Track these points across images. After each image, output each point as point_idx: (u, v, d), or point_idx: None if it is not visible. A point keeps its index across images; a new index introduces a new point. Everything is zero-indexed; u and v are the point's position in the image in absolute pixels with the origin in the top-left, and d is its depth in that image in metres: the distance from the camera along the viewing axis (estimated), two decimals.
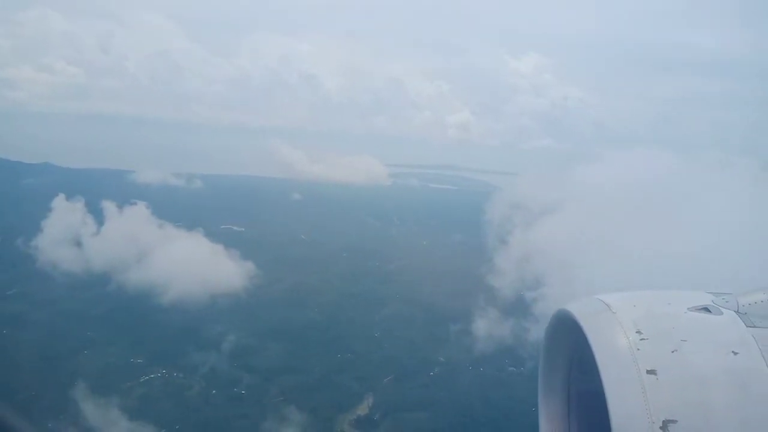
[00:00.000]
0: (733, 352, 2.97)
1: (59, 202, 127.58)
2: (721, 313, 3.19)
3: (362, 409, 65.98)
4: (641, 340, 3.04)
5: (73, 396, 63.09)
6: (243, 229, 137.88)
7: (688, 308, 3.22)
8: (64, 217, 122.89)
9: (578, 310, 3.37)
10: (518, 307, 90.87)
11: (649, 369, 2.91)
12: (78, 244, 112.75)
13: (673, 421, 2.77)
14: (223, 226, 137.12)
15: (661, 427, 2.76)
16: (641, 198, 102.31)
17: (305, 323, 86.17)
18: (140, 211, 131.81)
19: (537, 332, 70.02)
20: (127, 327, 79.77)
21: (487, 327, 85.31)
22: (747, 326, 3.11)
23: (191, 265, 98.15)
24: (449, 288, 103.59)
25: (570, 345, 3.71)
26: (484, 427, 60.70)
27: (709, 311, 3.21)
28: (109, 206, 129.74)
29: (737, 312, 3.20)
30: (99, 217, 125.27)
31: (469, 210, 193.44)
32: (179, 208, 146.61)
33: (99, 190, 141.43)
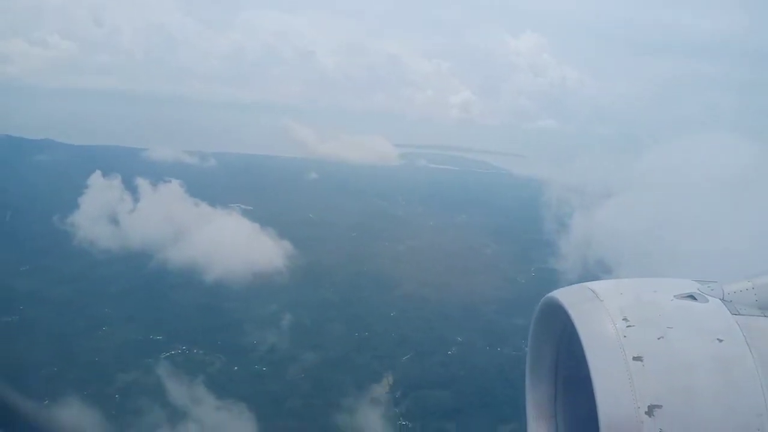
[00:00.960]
0: (718, 339, 3.04)
1: (95, 179, 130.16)
2: (707, 301, 3.25)
3: (383, 387, 66.71)
4: (628, 327, 3.09)
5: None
6: (251, 208, 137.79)
7: (674, 296, 3.28)
8: (99, 194, 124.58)
9: (566, 298, 3.42)
10: (540, 288, 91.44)
11: (635, 355, 2.97)
12: (112, 221, 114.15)
13: (659, 407, 2.83)
14: (231, 205, 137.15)
15: (646, 412, 2.82)
16: (712, 183, 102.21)
17: (320, 302, 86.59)
18: (174, 188, 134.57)
19: None
20: (147, 303, 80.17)
21: (503, 308, 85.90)
22: (732, 314, 3.17)
23: (220, 244, 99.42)
24: (460, 269, 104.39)
25: (557, 332, 3.77)
26: (504, 405, 61.33)
27: (695, 299, 3.27)
28: (142, 184, 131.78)
29: (722, 300, 3.26)
30: (134, 194, 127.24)
31: (480, 191, 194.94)
32: (195, 186, 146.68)
33: (116, 167, 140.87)
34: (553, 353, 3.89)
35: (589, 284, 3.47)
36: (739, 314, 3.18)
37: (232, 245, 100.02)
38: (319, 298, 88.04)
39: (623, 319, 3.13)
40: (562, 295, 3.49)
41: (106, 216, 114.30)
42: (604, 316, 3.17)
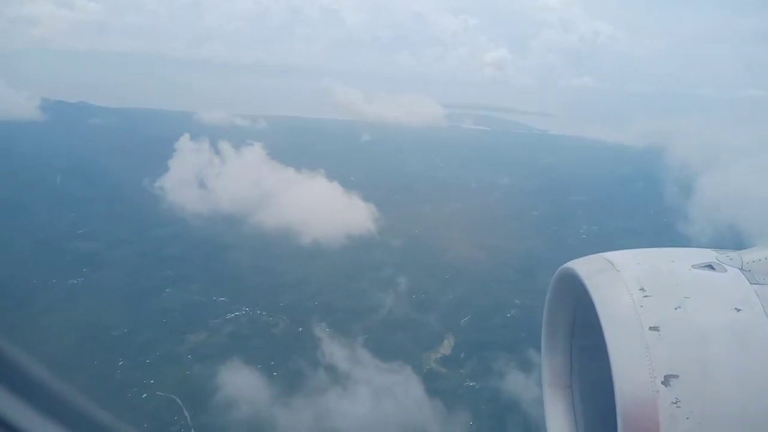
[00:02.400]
0: (736, 308, 2.98)
1: (184, 143, 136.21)
2: (725, 271, 3.19)
3: (445, 348, 67.12)
4: (645, 297, 3.04)
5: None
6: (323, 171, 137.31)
7: (692, 266, 3.22)
8: (188, 157, 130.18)
9: (582, 268, 3.37)
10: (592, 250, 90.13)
11: (652, 325, 2.92)
12: (199, 183, 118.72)
13: (675, 376, 2.80)
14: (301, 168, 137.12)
15: (662, 382, 2.79)
16: None
17: (373, 264, 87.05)
18: (257, 151, 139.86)
19: None
20: (207, 266, 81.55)
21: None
22: (750, 283, 3.11)
23: (307, 206, 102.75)
24: (509, 232, 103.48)
25: (573, 302, 3.73)
26: None
27: (713, 269, 3.21)
28: (225, 147, 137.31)
29: (741, 269, 3.20)
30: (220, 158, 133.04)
31: (518, 152, 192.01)
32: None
33: (175, 130, 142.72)
34: (569, 323, 3.86)
35: (605, 254, 3.42)
36: (758, 283, 3.12)
37: (320, 208, 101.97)
38: (372, 259, 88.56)
39: (640, 289, 3.08)
40: (578, 265, 3.43)
41: (191, 178, 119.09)
42: (620, 286, 3.13)
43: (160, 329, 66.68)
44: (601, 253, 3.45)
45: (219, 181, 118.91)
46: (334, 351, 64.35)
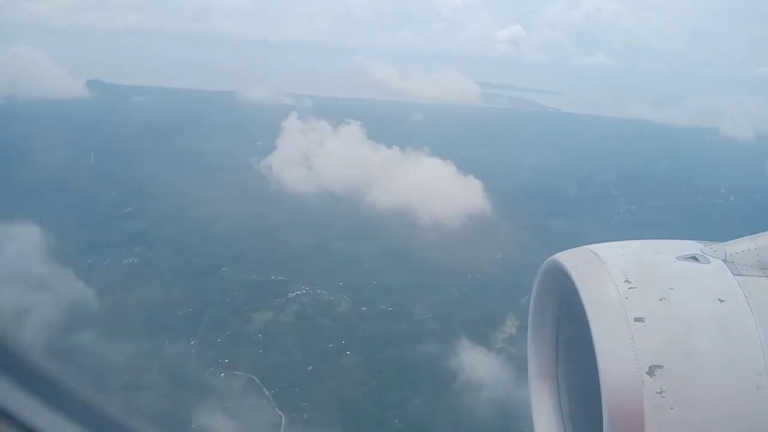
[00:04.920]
0: (719, 299, 3.04)
1: (291, 122, 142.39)
2: (709, 262, 3.25)
3: (509, 328, 67.22)
4: (630, 288, 3.08)
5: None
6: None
7: (676, 257, 3.26)
8: (297, 137, 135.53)
9: (568, 260, 3.40)
10: (634, 230, 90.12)
11: (637, 317, 2.96)
12: (304, 162, 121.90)
13: (660, 366, 2.85)
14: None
15: (647, 372, 2.83)
16: None
17: (422, 245, 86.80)
18: (354, 130, 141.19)
19: None
20: (259, 246, 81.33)
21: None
22: (734, 274, 3.17)
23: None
24: (550, 212, 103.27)
25: (559, 294, 3.75)
26: None
27: (697, 260, 3.26)
28: (324, 126, 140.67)
29: (724, 261, 3.25)
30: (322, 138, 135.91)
31: (536, 130, 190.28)
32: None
33: (219, 110, 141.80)
34: (555, 315, 3.90)
35: (591, 246, 3.44)
36: (741, 275, 3.17)
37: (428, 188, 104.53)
38: (421, 239, 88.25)
39: (625, 281, 3.11)
40: (564, 257, 3.45)
41: (297, 157, 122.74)
42: (605, 277, 3.16)
43: (225, 308, 66.65)
44: (586, 246, 3.47)
45: (322, 160, 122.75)
46: (401, 329, 64.67)
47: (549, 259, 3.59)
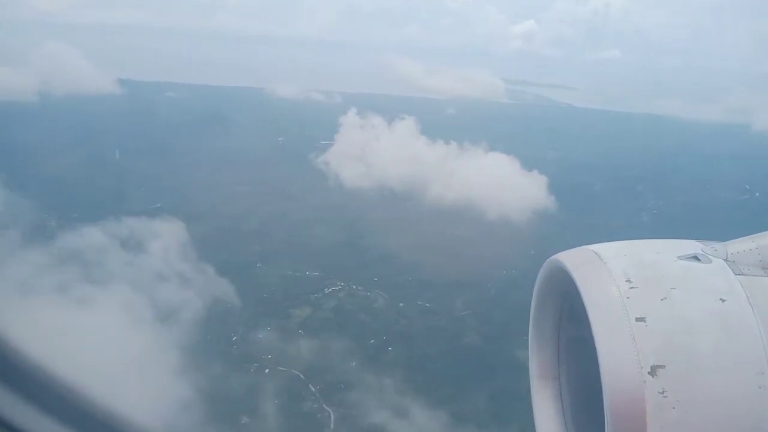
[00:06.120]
0: (721, 299, 3.04)
1: (349, 118, 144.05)
2: (710, 262, 3.23)
3: None
4: (631, 288, 3.08)
5: None
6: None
7: (677, 257, 3.26)
8: (353, 133, 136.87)
9: (569, 260, 3.41)
10: (667, 226, 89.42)
11: (638, 317, 2.97)
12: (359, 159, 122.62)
13: (662, 366, 2.86)
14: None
15: (649, 372, 2.84)
16: None
17: (454, 239, 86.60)
18: (409, 125, 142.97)
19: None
20: (292, 241, 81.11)
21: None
22: (735, 274, 3.17)
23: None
24: (582, 209, 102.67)
25: (560, 294, 3.77)
26: None
27: (699, 260, 3.25)
28: (379, 122, 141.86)
29: (726, 260, 3.24)
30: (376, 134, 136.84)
31: (553, 125, 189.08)
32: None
33: (254, 107, 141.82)
34: (556, 315, 3.89)
35: (591, 246, 3.43)
36: (742, 274, 3.17)
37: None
38: (453, 235, 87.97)
39: (626, 281, 3.11)
40: (565, 257, 3.46)
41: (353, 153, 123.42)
42: (606, 277, 3.15)
43: (263, 304, 66.50)
44: (587, 245, 3.46)
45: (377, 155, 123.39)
46: (440, 325, 64.30)
47: (550, 259, 3.58)
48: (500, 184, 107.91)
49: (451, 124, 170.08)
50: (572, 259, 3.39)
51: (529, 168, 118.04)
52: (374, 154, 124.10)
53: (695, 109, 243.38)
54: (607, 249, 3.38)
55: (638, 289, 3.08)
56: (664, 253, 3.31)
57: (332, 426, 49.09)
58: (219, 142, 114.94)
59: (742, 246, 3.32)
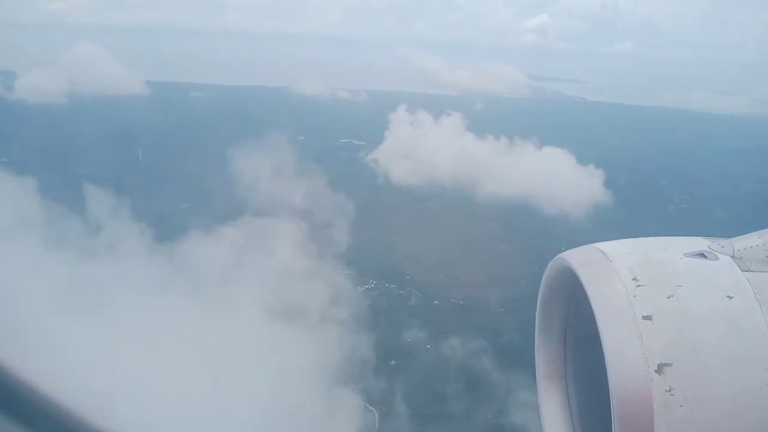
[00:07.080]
0: (728, 296, 3.02)
1: (399, 114, 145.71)
2: (717, 258, 3.22)
3: None
4: (637, 286, 3.07)
5: None
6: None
7: (684, 254, 3.25)
8: (402, 131, 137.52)
9: (575, 259, 3.39)
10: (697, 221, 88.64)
11: (645, 315, 2.97)
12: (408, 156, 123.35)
13: (669, 364, 2.85)
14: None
15: (656, 370, 2.84)
16: None
17: (486, 237, 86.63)
18: (456, 122, 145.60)
19: None
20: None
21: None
22: (742, 270, 3.15)
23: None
24: (608, 203, 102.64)
25: (566, 292, 3.76)
26: None
27: (705, 257, 3.24)
28: (426, 119, 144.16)
29: (733, 257, 3.23)
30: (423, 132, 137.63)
31: (569, 120, 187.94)
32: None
33: (283, 106, 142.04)
34: (562, 314, 3.88)
35: (597, 245, 3.43)
36: (750, 270, 3.14)
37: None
38: (484, 233, 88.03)
39: (633, 279, 3.10)
40: (570, 256, 3.45)
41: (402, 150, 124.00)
42: (613, 276, 3.13)
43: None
44: (593, 244, 3.45)
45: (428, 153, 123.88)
46: (476, 323, 64.34)
47: (555, 257, 3.57)
48: (553, 180, 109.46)
49: (484, 119, 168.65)
50: (578, 258, 3.39)
51: (584, 163, 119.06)
52: (424, 151, 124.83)
53: (713, 101, 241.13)
54: (612, 247, 3.39)
55: (644, 287, 3.08)
56: (670, 251, 3.30)
57: (377, 425, 49.38)
58: (258, 142, 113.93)
59: (748, 242, 3.30)
